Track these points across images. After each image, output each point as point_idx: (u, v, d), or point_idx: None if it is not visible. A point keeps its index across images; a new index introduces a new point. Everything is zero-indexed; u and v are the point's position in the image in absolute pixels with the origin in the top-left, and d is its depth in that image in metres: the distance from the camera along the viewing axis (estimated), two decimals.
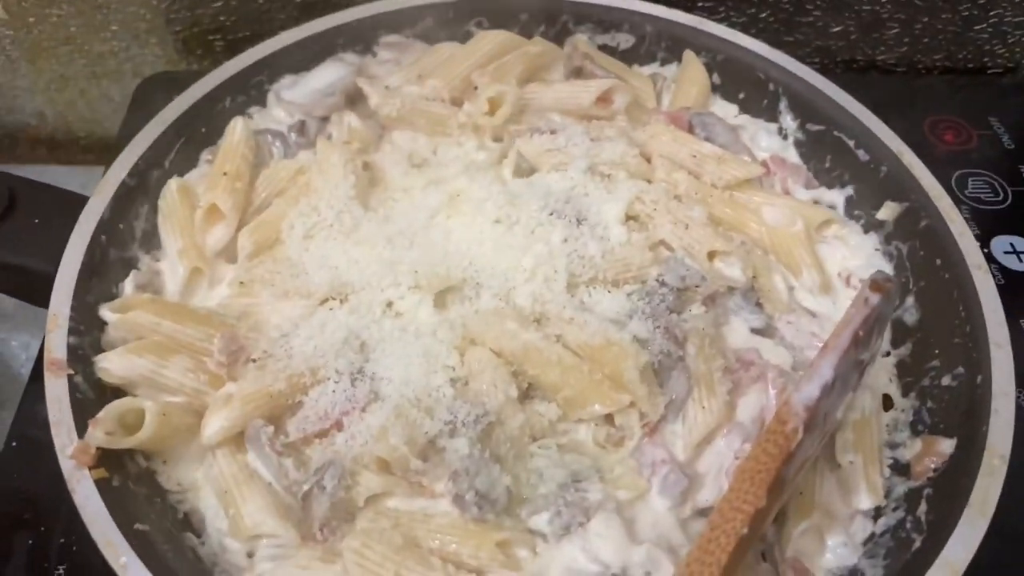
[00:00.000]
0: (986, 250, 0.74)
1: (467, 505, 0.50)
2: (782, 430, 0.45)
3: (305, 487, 0.49)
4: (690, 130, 0.71)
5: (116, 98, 0.90)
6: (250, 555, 0.50)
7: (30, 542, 0.56)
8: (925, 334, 0.61)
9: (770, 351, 0.59)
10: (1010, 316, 0.56)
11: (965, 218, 0.60)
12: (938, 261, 0.61)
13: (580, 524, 0.50)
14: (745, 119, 0.75)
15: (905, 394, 0.60)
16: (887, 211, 0.66)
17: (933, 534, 0.49)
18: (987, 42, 0.92)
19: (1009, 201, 0.79)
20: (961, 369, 0.56)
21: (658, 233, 0.63)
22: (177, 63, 0.89)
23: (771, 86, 0.73)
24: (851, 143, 0.69)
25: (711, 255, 0.62)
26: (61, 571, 0.55)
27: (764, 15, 0.88)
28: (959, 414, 0.54)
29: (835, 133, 0.69)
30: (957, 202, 0.62)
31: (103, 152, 0.90)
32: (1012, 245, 0.75)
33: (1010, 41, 0.92)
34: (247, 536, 0.49)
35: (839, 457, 0.53)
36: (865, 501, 0.52)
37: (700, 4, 0.87)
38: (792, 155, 0.73)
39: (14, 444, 0.60)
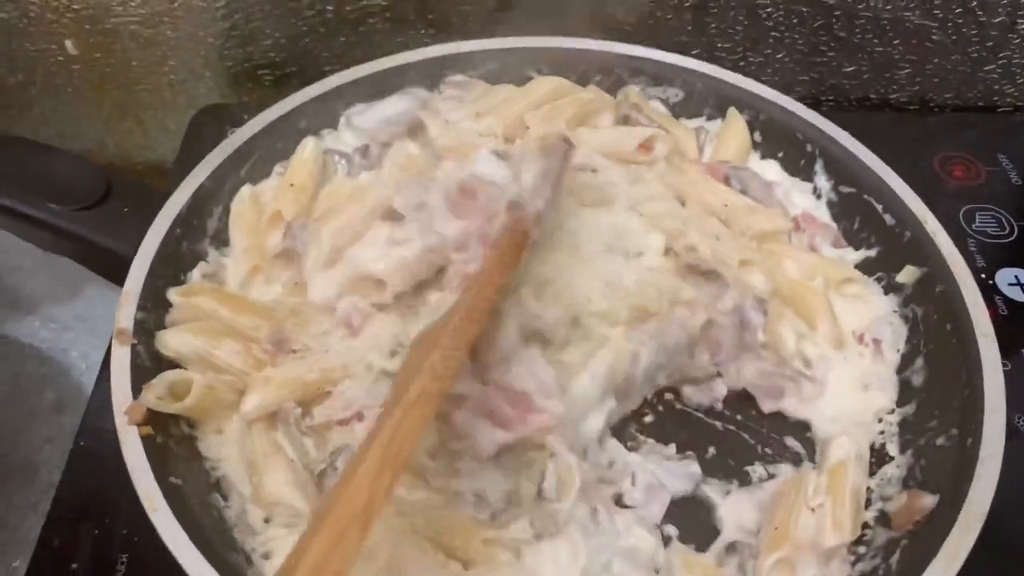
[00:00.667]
0: (991, 282, 0.77)
1: (465, 503, 0.55)
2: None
3: (321, 466, 0.55)
4: (726, 182, 0.75)
5: (171, 127, 0.99)
6: (267, 521, 0.56)
7: (96, 532, 0.61)
8: (929, 395, 0.63)
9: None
10: (1014, 344, 0.58)
11: (972, 251, 0.62)
12: (948, 326, 0.63)
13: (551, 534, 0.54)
14: (782, 176, 0.78)
15: (903, 451, 0.62)
16: (907, 274, 0.68)
17: None
18: (996, 82, 0.96)
19: (1015, 235, 0.82)
20: (955, 431, 0.58)
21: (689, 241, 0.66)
22: (229, 96, 0.97)
23: (808, 147, 0.76)
24: (879, 207, 0.71)
25: (742, 263, 0.66)
26: (124, 559, 0.60)
27: (780, 55, 0.92)
28: (946, 473, 0.56)
29: (864, 196, 0.72)
30: (964, 236, 0.64)
31: (156, 177, 1.00)
32: (1016, 277, 0.78)
33: (1019, 81, 0.96)
34: (266, 503, 0.55)
35: (811, 501, 0.56)
36: (831, 539, 0.54)
37: (720, 46, 0.91)
38: (823, 214, 0.76)
39: (81, 443, 0.66)
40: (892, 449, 0.62)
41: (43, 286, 0.90)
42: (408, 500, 0.55)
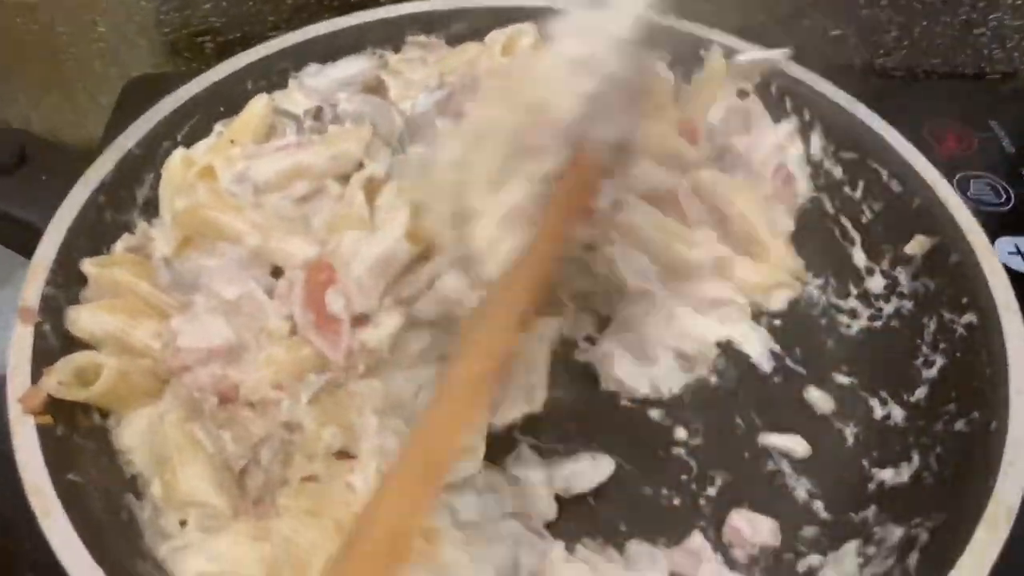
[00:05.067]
0: None
1: None
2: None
3: (242, 462, 0.48)
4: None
5: (103, 103, 0.90)
6: (183, 523, 0.48)
7: None
8: (944, 376, 0.56)
9: None
10: None
11: None
12: (965, 300, 0.56)
13: None
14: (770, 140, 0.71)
15: (916, 439, 0.55)
16: (916, 245, 0.61)
17: None
18: (986, 46, 0.92)
19: (1012, 203, 0.78)
20: (976, 414, 0.51)
21: None
22: (164, 67, 0.90)
23: (807, 112, 0.70)
24: (884, 172, 0.64)
25: None
26: None
27: (763, 19, 0.86)
28: (968, 462, 0.49)
29: (869, 162, 0.65)
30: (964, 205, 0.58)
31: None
32: (1016, 246, 0.74)
33: (1009, 46, 0.91)
34: (180, 502, 0.48)
35: None
36: None
37: (697, 9, 0.85)
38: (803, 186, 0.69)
39: None
40: (901, 438, 0.55)
41: None
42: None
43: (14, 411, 0.47)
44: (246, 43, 0.83)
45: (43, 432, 0.47)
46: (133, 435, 0.51)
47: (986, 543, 0.43)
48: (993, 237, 0.72)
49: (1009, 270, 0.67)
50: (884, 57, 0.93)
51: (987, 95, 0.92)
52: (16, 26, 0.86)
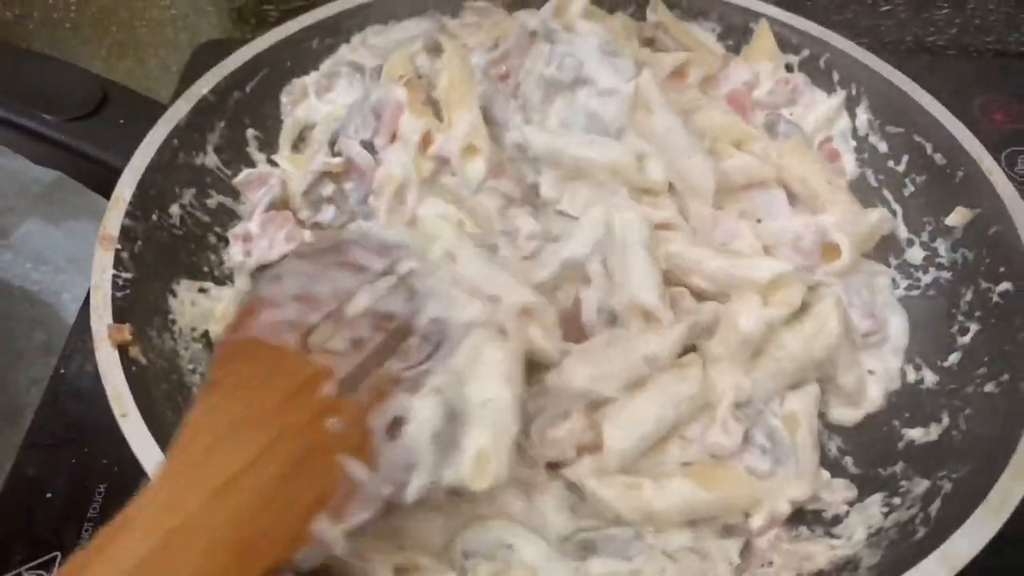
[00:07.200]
0: None
1: None
2: None
3: None
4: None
5: (173, 68, 0.95)
6: None
7: (73, 462, 0.60)
8: (977, 343, 0.57)
9: None
10: None
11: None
12: (1002, 269, 0.58)
13: None
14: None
15: (948, 401, 0.56)
16: (957, 216, 0.62)
17: (939, 528, 0.45)
18: None
19: None
20: (1006, 376, 0.52)
21: None
22: (231, 32, 0.94)
23: (853, 86, 0.71)
24: (929, 146, 0.66)
25: None
26: (102, 488, 0.59)
27: None
28: (996, 419, 0.51)
29: (915, 137, 0.67)
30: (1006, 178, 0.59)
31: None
32: None
33: None
34: None
35: None
36: None
37: None
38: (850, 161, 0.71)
39: (62, 371, 0.66)
40: (932, 399, 0.57)
41: (35, 228, 0.87)
42: None
43: (96, 326, 0.51)
44: (307, 9, 0.86)
45: (122, 349, 0.51)
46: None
47: (1011, 488, 0.44)
48: None
49: None
50: (936, 35, 0.94)
51: None
52: None
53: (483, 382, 0.42)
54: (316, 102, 0.71)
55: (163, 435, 0.46)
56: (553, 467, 0.49)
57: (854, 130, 0.71)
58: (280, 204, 0.65)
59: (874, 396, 0.59)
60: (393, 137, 0.65)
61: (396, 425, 0.39)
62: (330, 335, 0.40)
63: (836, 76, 0.72)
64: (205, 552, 0.30)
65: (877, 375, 0.60)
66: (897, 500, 0.52)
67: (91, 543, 0.32)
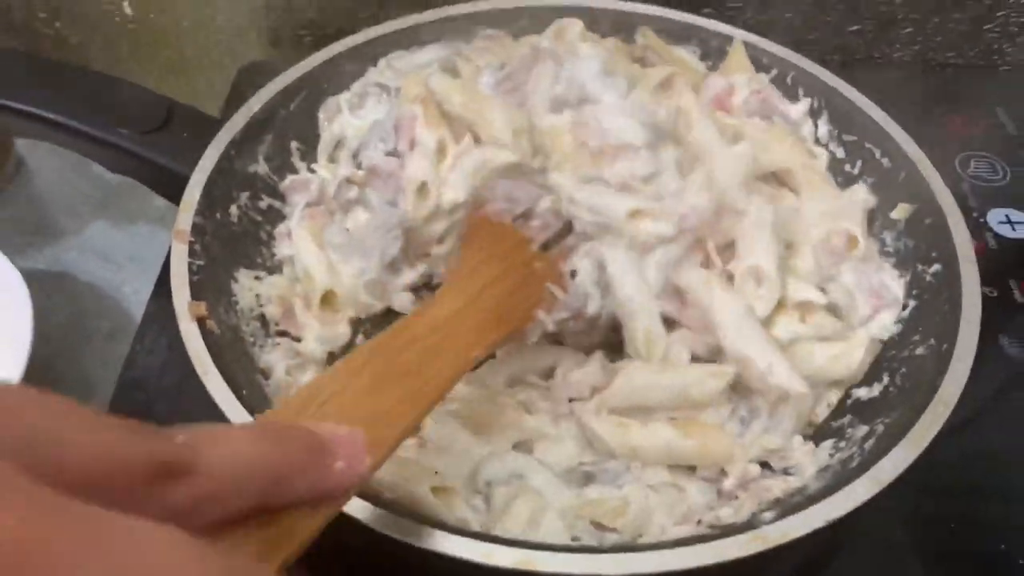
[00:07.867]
0: (983, 220, 0.87)
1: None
2: None
3: None
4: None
5: (217, 87, 1.06)
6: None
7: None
8: (915, 314, 0.68)
9: None
10: (1000, 275, 0.72)
11: (965, 193, 0.69)
12: (934, 254, 0.68)
13: None
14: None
15: (888, 364, 0.67)
16: (900, 211, 0.73)
17: (871, 458, 0.55)
18: (996, 40, 1.03)
19: (1008, 179, 0.91)
20: (933, 341, 0.63)
21: None
22: (270, 53, 1.06)
23: (815, 101, 0.82)
24: (878, 152, 0.76)
25: None
26: None
27: (788, 16, 0.99)
28: (924, 376, 0.61)
29: (866, 144, 0.77)
30: (959, 179, 0.71)
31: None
32: (1007, 216, 0.87)
33: (1019, 40, 1.03)
34: None
35: None
36: None
37: (730, 5, 0.97)
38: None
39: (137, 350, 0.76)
40: (875, 363, 0.67)
41: (101, 230, 0.97)
42: None
43: (179, 304, 0.62)
44: (339, 37, 0.98)
45: (200, 321, 0.61)
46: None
47: (927, 426, 0.55)
48: (987, 208, 0.87)
49: (998, 236, 0.84)
50: (901, 50, 1.05)
51: (996, 85, 1.04)
52: (149, 20, 1.02)
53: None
54: (349, 117, 0.82)
55: (236, 390, 0.57)
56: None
57: (816, 139, 0.82)
58: (317, 205, 0.77)
59: None
60: (412, 144, 0.76)
61: (573, 274, 0.62)
62: (527, 222, 0.63)
63: (801, 91, 0.83)
64: (479, 314, 0.53)
65: None
66: (843, 444, 0.62)
67: (425, 303, 0.55)
